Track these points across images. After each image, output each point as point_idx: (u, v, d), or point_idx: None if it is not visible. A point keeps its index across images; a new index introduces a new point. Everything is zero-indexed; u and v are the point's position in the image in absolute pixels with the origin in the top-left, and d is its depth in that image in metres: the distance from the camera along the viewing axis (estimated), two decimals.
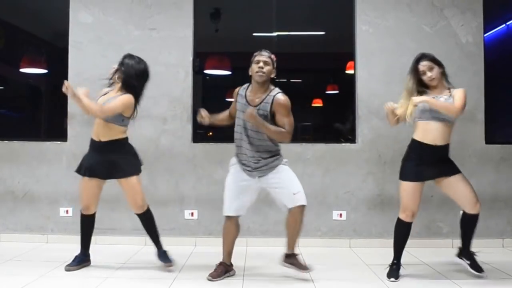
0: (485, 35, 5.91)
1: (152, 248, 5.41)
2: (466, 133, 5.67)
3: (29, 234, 5.78)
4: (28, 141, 5.92)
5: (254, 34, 6.35)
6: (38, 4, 6.28)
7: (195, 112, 5.85)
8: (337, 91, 6.34)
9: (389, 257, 5.16)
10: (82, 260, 4.57)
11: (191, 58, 5.88)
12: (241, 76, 6.51)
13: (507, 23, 6.37)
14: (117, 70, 4.46)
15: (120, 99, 4.34)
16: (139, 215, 4.56)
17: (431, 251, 5.36)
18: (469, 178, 4.33)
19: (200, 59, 6.03)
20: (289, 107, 4.12)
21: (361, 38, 5.87)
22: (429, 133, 4.22)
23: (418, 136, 4.30)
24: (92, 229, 4.63)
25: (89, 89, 5.70)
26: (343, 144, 5.90)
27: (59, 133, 5.96)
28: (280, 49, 5.84)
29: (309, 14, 6.26)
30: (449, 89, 4.29)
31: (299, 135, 6.12)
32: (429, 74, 4.26)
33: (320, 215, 5.77)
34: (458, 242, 5.54)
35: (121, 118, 4.39)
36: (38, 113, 6.57)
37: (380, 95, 5.75)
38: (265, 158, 4.17)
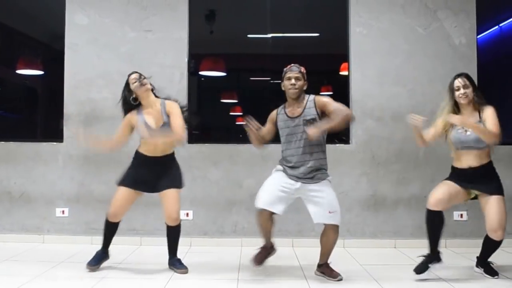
0: (478, 36, 5.95)
1: (147, 248, 5.49)
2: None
3: (25, 235, 5.81)
4: (25, 141, 5.95)
5: (249, 35, 6.38)
6: (34, 6, 6.30)
7: (190, 114, 5.92)
8: (331, 92, 6.32)
9: (383, 257, 5.24)
10: (102, 257, 4.60)
11: (186, 60, 5.92)
12: (236, 78, 6.64)
13: (500, 25, 6.41)
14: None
15: (177, 111, 4.48)
16: (170, 227, 4.57)
17: (424, 252, 5.37)
18: None
19: (195, 61, 6.08)
20: (330, 98, 4.29)
21: (355, 39, 5.91)
22: (463, 160, 4.28)
23: (454, 163, 4.39)
24: (114, 233, 4.63)
25: (85, 89, 5.82)
26: (337, 145, 5.91)
27: (55, 134, 6.00)
28: (275, 51, 5.90)
29: (303, 15, 6.28)
30: (478, 111, 4.26)
31: None
32: (462, 90, 4.25)
33: None
34: (450, 242, 5.66)
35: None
36: (35, 114, 6.59)
37: (373, 96, 5.81)
38: (316, 169, 4.23)
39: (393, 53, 5.86)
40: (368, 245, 5.70)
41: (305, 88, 4.33)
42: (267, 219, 4.33)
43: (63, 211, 5.84)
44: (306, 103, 4.29)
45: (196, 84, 6.25)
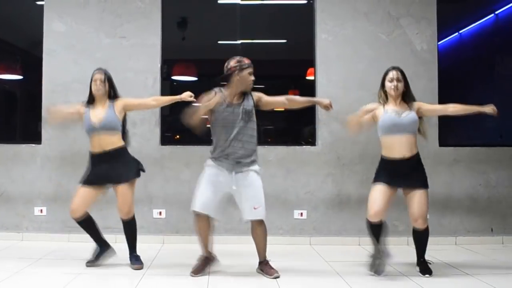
0: (439, 43, 6.13)
1: (122, 245, 5.55)
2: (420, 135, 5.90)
3: (5, 232, 5.95)
4: (4, 143, 6.07)
5: (219, 42, 6.52)
6: (14, 14, 6.42)
7: (163, 116, 6.10)
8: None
9: (348, 253, 5.40)
10: (102, 251, 4.79)
11: (159, 65, 6.07)
12: (207, 82, 6.72)
13: (460, 32, 6.62)
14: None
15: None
16: (123, 221, 4.74)
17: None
18: None
19: (168, 66, 6.24)
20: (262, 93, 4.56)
21: (320, 46, 6.07)
22: (396, 149, 4.36)
23: (385, 153, 4.46)
24: (94, 228, 4.80)
25: (62, 93, 5.96)
26: (304, 146, 6.11)
27: (33, 136, 6.13)
28: (244, 56, 6.02)
29: (271, 23, 6.46)
30: (408, 105, 4.44)
31: (262, 138, 6.25)
32: (395, 83, 4.42)
33: (282, 214, 5.98)
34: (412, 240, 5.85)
35: (119, 123, 4.67)
36: (14, 117, 6.71)
37: (339, 100, 5.89)
38: (246, 156, 4.32)
39: (357, 59, 6.03)
40: (333, 243, 5.88)
41: None
42: (204, 221, 4.43)
43: (41, 210, 6.00)
44: (245, 96, 4.42)
45: (169, 88, 6.36)
